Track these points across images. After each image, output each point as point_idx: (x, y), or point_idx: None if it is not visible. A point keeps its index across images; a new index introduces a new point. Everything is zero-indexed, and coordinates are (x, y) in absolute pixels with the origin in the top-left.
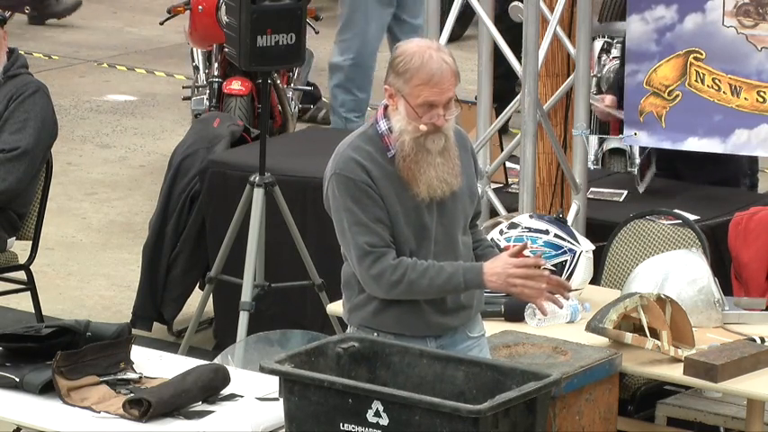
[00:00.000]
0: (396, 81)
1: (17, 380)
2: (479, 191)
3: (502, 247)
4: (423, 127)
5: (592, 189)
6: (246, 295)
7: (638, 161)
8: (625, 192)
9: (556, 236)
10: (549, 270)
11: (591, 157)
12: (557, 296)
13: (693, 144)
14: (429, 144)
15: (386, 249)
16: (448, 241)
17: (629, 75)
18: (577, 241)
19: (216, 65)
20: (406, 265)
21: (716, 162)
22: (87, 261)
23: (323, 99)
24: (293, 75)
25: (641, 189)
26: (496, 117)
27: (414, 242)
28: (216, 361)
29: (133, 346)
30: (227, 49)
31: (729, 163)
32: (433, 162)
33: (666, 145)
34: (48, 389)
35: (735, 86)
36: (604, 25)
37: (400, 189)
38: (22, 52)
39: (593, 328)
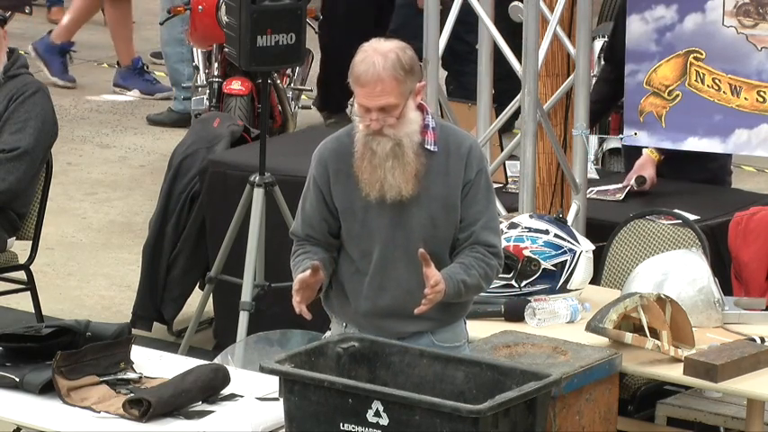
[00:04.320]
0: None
1: (17, 380)
2: None
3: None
4: (360, 127)
5: (596, 188)
6: (246, 295)
7: None
8: (626, 191)
9: (556, 236)
10: (550, 269)
11: (591, 157)
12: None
13: (693, 144)
14: (374, 145)
15: (298, 240)
16: (407, 247)
17: (629, 75)
18: (577, 241)
19: (216, 65)
20: (292, 253)
21: (699, 161)
22: (87, 261)
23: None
24: (293, 75)
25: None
26: (496, 117)
27: (365, 242)
28: (216, 361)
29: (133, 346)
30: (227, 49)
31: (712, 162)
32: (381, 164)
33: (666, 145)
34: (48, 389)
35: (735, 86)
36: (604, 25)
37: (355, 186)
38: (22, 52)
39: (593, 328)
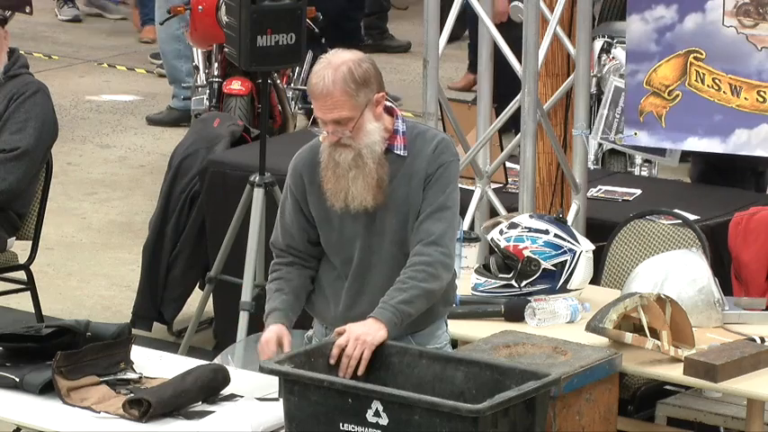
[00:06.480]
0: None
1: (17, 380)
2: (479, 191)
3: (502, 247)
4: (320, 138)
5: (605, 188)
6: (246, 295)
7: (638, 161)
8: (638, 191)
9: (556, 236)
10: (550, 269)
11: (591, 156)
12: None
13: (693, 144)
14: (337, 156)
15: (276, 251)
16: (382, 252)
17: (629, 75)
18: (577, 241)
19: (216, 65)
20: (270, 271)
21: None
22: (87, 261)
23: None
24: (293, 75)
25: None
26: (496, 117)
27: (344, 250)
28: (216, 361)
29: (133, 346)
30: (227, 49)
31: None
32: (344, 175)
33: (667, 145)
34: (48, 389)
35: (735, 86)
36: (604, 25)
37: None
38: (23, 52)
39: (593, 328)
